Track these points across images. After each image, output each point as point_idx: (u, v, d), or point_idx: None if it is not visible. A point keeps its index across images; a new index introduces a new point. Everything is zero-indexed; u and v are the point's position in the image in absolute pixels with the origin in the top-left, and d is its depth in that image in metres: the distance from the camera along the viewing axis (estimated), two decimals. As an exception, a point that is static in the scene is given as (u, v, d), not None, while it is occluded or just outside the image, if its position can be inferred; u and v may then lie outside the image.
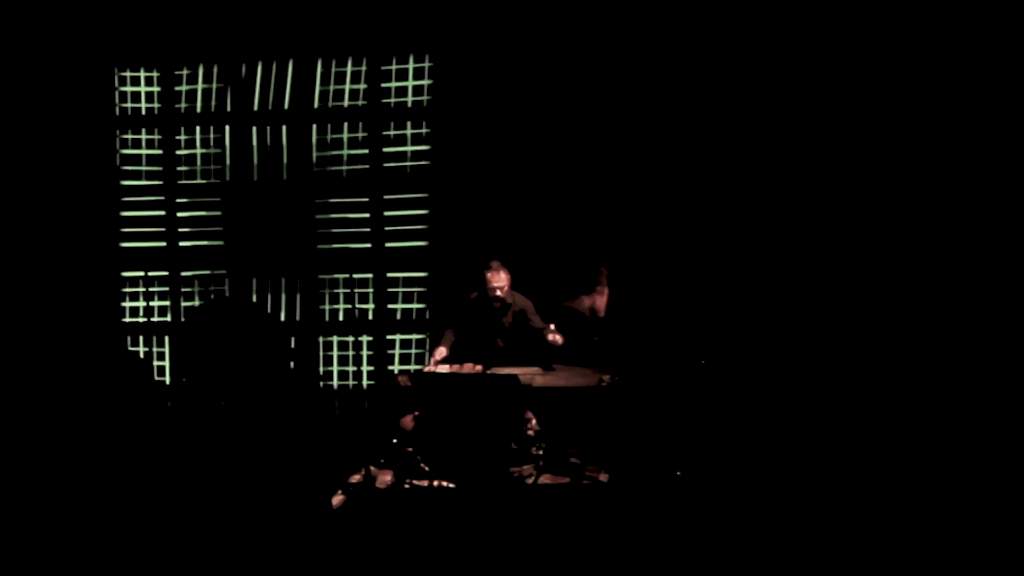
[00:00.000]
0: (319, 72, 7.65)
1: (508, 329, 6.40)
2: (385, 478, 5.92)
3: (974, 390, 6.14)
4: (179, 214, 7.85)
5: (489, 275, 6.23)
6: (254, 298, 7.80)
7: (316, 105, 7.66)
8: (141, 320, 7.93)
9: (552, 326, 6.20)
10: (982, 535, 4.66)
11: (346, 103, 7.65)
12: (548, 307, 6.58)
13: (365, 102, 7.59)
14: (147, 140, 7.88)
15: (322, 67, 7.64)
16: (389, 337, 7.69)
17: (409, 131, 7.59)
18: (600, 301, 6.67)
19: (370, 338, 7.69)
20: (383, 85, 7.57)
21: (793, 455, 5.79)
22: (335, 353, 7.77)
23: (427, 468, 5.89)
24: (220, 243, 7.83)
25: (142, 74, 7.84)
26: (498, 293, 6.23)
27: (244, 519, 4.76)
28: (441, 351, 6.32)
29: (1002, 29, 6.42)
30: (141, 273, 7.92)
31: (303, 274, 7.77)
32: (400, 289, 7.70)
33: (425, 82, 7.53)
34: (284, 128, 7.74)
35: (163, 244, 7.87)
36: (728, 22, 6.90)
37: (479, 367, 6.17)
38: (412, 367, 7.55)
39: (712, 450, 5.91)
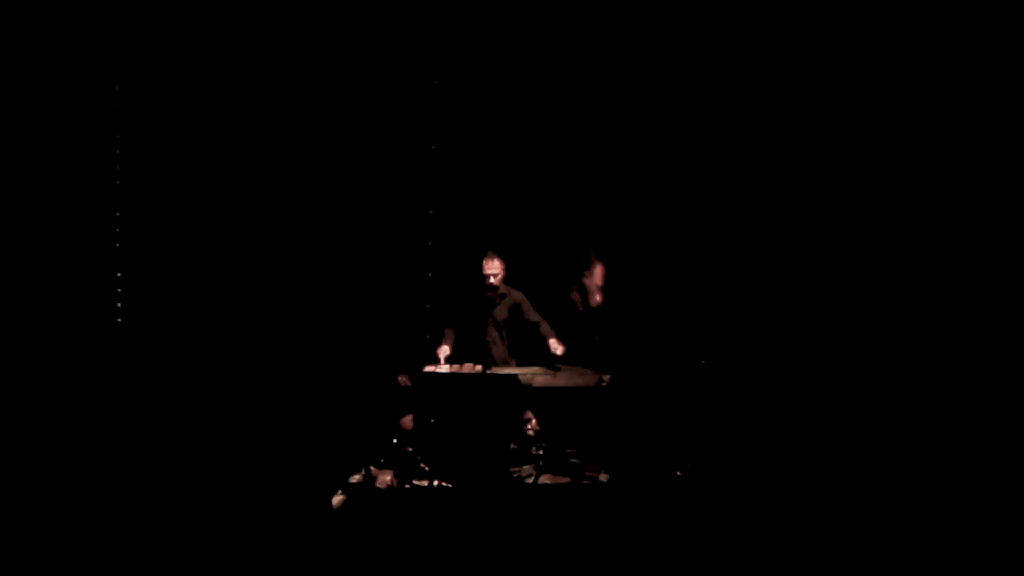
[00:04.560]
0: (319, 73, 7.64)
1: (503, 322, 6.45)
2: (385, 478, 5.93)
3: (974, 389, 6.14)
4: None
5: (484, 262, 6.39)
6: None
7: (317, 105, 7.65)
8: (141, 320, 7.91)
9: (553, 340, 6.25)
10: (982, 535, 4.66)
11: (345, 105, 7.64)
12: (549, 308, 6.60)
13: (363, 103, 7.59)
14: (147, 140, 7.86)
15: (322, 67, 7.64)
16: (391, 338, 7.68)
17: (409, 133, 7.58)
18: (590, 283, 6.67)
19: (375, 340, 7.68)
20: (383, 85, 7.56)
21: (793, 455, 5.79)
22: (335, 353, 7.75)
23: (427, 468, 5.89)
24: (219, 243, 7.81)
25: (142, 76, 7.82)
26: (491, 280, 6.35)
27: (244, 519, 4.76)
28: (444, 349, 6.38)
29: (1001, 29, 6.43)
30: (140, 273, 7.89)
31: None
32: (400, 289, 7.68)
33: (424, 82, 7.52)
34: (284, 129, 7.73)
35: (162, 244, 7.85)
36: (727, 19, 6.89)
37: (479, 367, 6.19)
38: (412, 367, 7.54)
39: (712, 450, 5.92)
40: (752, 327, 6.78)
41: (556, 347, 6.25)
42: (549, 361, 6.25)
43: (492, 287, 6.40)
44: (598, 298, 6.66)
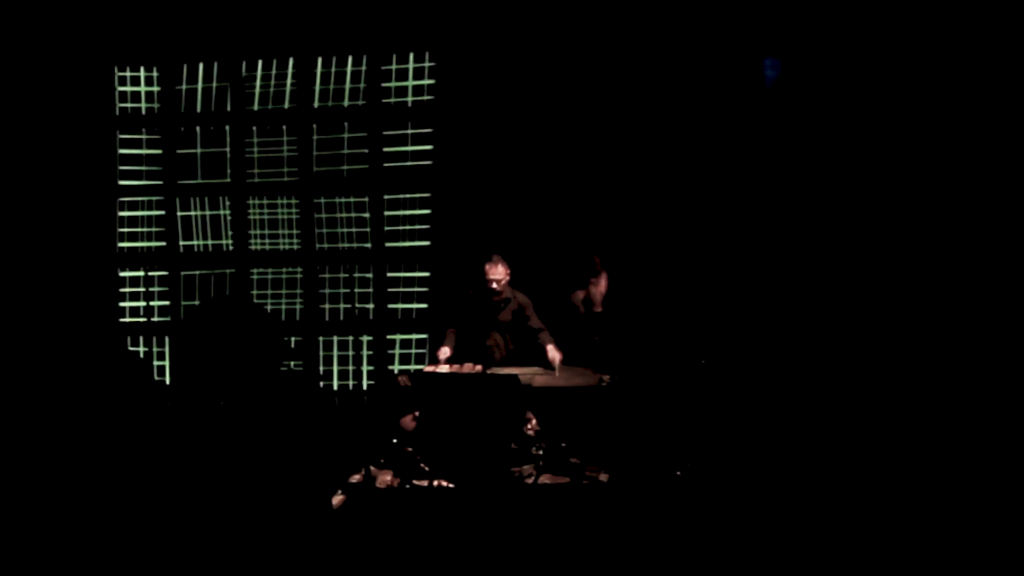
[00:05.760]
0: (319, 72, 7.66)
1: (506, 325, 6.43)
2: (385, 478, 5.93)
3: (974, 389, 6.14)
4: (179, 214, 7.86)
5: (487, 267, 6.33)
6: (254, 298, 7.80)
7: (316, 105, 7.67)
8: (141, 320, 7.93)
9: (551, 347, 6.24)
10: (982, 535, 4.66)
11: (346, 103, 7.65)
12: (548, 306, 6.60)
13: (365, 102, 7.60)
14: (147, 140, 7.88)
15: (322, 66, 7.65)
16: (389, 337, 7.70)
17: (410, 131, 7.59)
18: (595, 291, 6.66)
19: (370, 338, 7.69)
20: (383, 85, 7.57)
21: (793, 455, 5.79)
22: (335, 353, 7.77)
23: (427, 468, 5.89)
24: (220, 243, 7.84)
25: (142, 73, 7.84)
26: (494, 286, 6.31)
27: (244, 519, 4.75)
28: (445, 351, 6.35)
29: (1001, 29, 6.42)
30: (141, 273, 7.92)
31: (303, 273, 7.77)
32: (400, 289, 7.70)
33: (426, 82, 7.53)
34: (284, 128, 7.75)
35: (163, 244, 7.88)
36: (727, 20, 6.90)
37: (479, 367, 6.18)
38: (412, 367, 7.55)
39: (712, 450, 5.91)
40: (752, 327, 6.78)
41: (554, 355, 6.21)
42: (548, 367, 6.25)
43: (495, 292, 6.35)
44: (599, 309, 6.67)
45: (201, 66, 7.75)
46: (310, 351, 7.75)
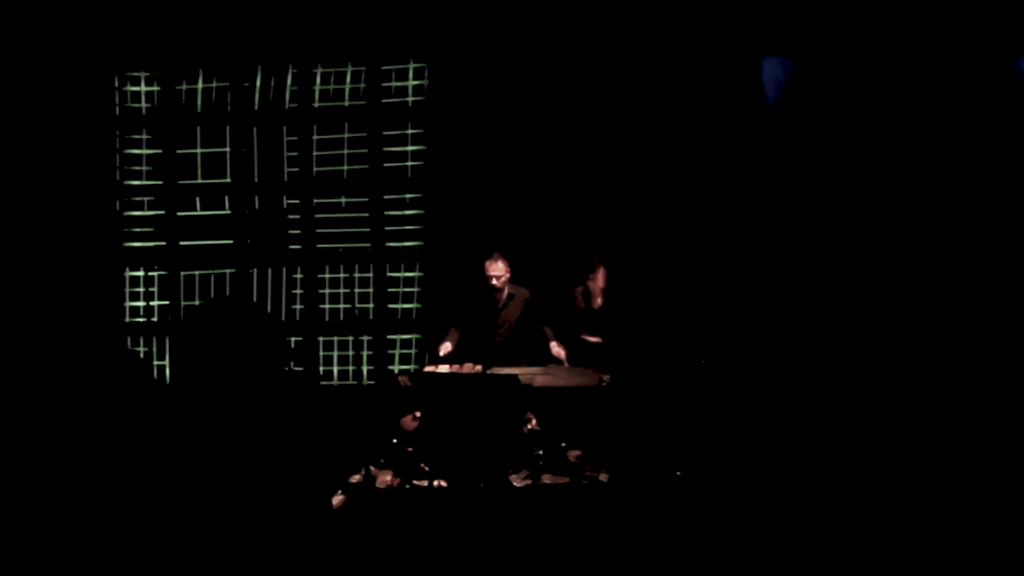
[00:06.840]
0: (319, 71, 7.65)
1: (507, 323, 6.43)
2: (385, 478, 5.93)
3: (975, 390, 6.13)
4: (179, 214, 7.85)
5: (488, 263, 6.33)
6: (254, 298, 7.79)
7: (316, 105, 7.66)
8: (141, 320, 7.93)
9: (555, 343, 6.24)
10: (982, 535, 4.66)
11: (346, 103, 7.65)
12: (546, 303, 6.60)
13: (365, 102, 7.59)
14: (147, 140, 7.87)
15: (322, 67, 7.65)
16: (389, 337, 7.69)
17: (410, 131, 7.59)
18: (593, 287, 6.66)
19: (370, 338, 7.69)
20: (383, 84, 7.57)
21: (793, 455, 5.79)
22: (335, 353, 7.77)
23: (427, 468, 5.89)
24: (220, 243, 7.83)
25: (142, 75, 7.83)
26: (495, 283, 6.30)
27: (244, 519, 4.74)
28: (447, 346, 6.35)
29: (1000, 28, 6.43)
30: (141, 273, 7.92)
31: (303, 274, 7.76)
32: (400, 289, 7.70)
33: (425, 82, 7.53)
34: (284, 128, 7.74)
35: (163, 244, 7.87)
36: (723, 20, 6.90)
37: (479, 367, 6.18)
38: (412, 367, 7.55)
39: (712, 450, 5.92)
40: (752, 327, 6.78)
41: (558, 351, 6.23)
42: (550, 364, 6.25)
43: (496, 289, 6.34)
44: (599, 301, 6.67)
45: (201, 71, 7.74)
46: (310, 351, 7.75)
